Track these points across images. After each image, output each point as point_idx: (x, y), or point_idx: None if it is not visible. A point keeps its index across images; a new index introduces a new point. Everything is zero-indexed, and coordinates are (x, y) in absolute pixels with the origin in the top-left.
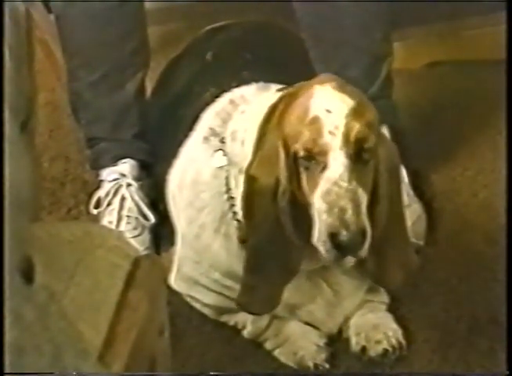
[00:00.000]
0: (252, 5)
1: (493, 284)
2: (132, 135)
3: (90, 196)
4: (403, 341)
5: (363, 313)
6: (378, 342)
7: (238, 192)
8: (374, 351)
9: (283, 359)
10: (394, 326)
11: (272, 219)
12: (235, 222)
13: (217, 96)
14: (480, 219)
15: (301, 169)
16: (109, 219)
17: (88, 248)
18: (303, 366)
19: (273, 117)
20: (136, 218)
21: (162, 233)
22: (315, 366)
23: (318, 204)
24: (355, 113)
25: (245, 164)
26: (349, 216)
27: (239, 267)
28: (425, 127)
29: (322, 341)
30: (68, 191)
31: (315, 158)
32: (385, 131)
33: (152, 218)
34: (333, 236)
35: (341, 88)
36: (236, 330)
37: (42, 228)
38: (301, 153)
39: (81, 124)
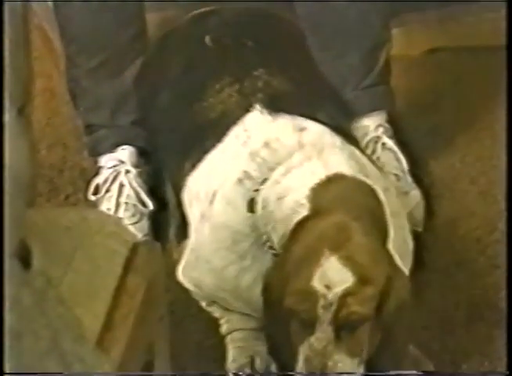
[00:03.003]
0: None
1: (492, 271)
2: (131, 122)
3: (88, 183)
4: None
5: None
6: None
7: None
8: None
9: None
10: None
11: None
12: None
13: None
14: (478, 206)
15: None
16: (107, 206)
17: (85, 234)
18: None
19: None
20: (134, 204)
21: (163, 220)
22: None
23: (299, 361)
24: (353, 291)
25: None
26: None
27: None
28: (424, 113)
29: None
30: (66, 178)
31: (303, 319)
32: (383, 117)
33: (150, 205)
34: None
35: (348, 259)
36: None
37: (40, 214)
38: (292, 307)
39: (79, 110)
